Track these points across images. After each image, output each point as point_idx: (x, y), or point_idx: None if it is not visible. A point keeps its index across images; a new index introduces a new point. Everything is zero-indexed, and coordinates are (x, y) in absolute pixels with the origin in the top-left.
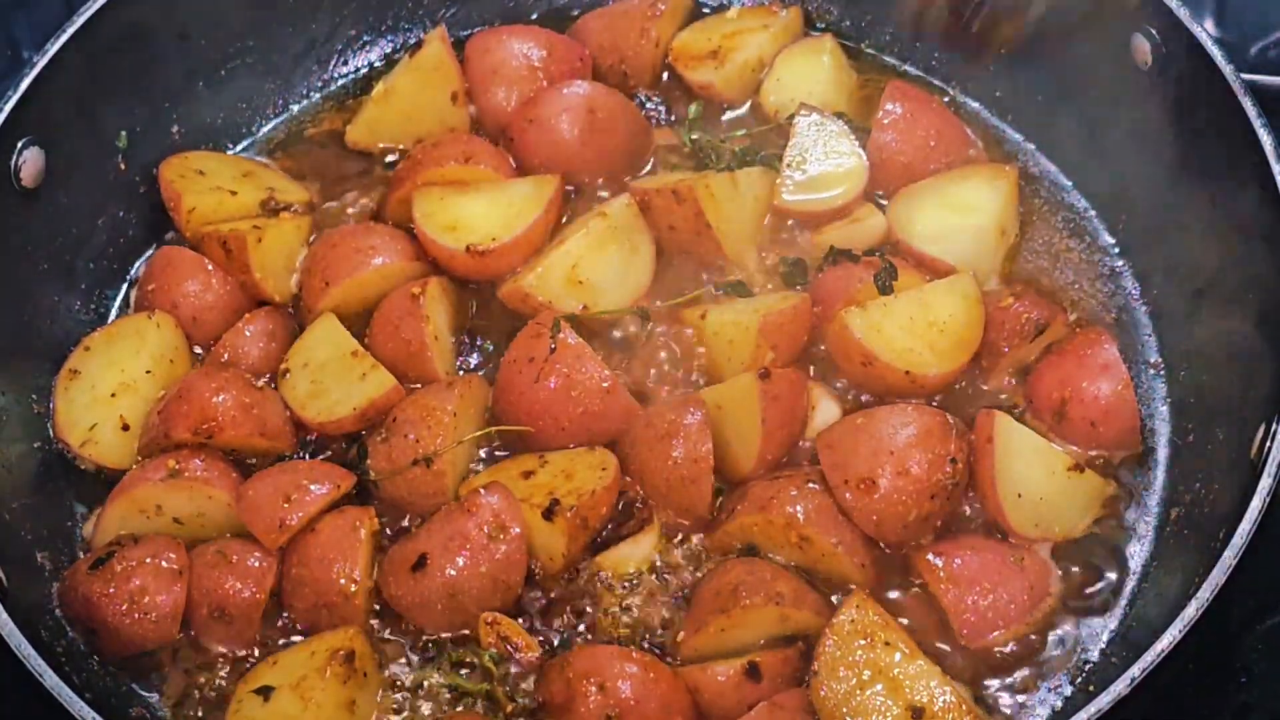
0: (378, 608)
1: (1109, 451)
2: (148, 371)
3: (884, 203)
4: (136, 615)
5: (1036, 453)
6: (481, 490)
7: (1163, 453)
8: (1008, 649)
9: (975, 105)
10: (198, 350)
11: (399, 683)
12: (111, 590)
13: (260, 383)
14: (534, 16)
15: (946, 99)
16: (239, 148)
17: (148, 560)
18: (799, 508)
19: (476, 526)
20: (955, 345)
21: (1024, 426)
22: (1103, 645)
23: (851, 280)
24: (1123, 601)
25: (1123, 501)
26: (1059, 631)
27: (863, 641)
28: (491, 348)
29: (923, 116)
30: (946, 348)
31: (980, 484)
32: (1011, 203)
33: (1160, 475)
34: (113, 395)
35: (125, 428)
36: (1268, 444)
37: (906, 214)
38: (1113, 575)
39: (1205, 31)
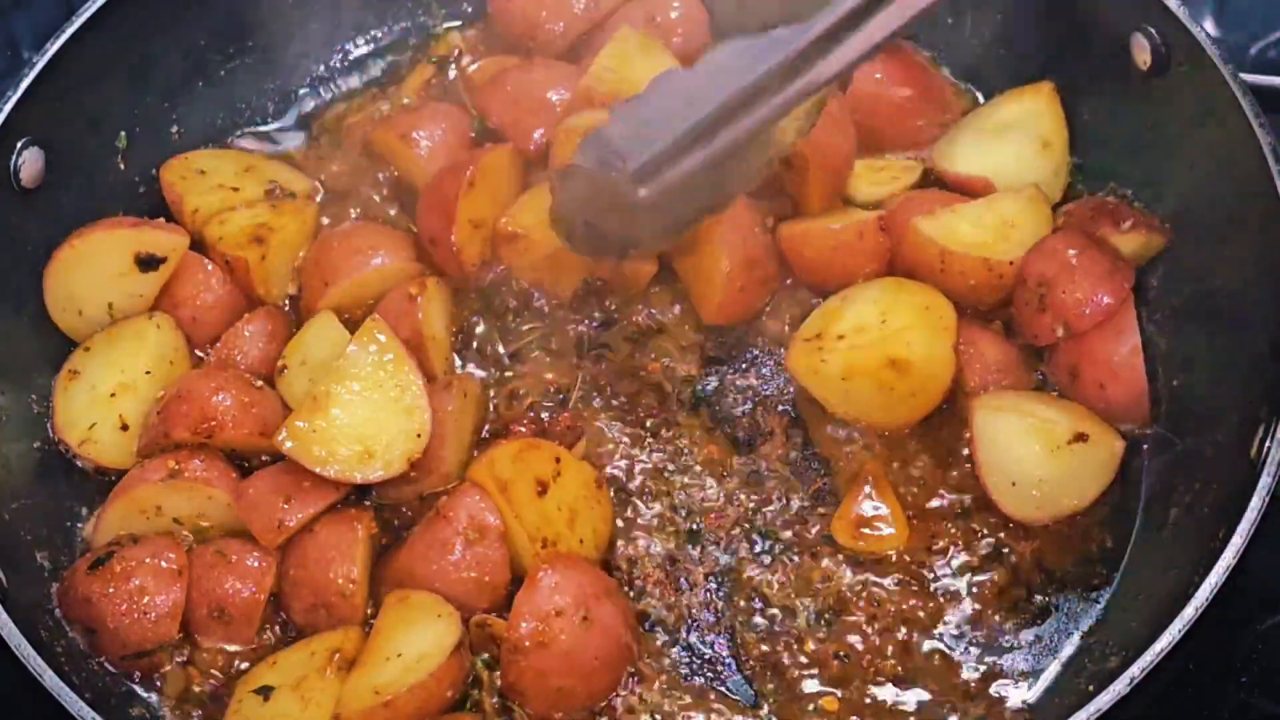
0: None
1: (1116, 422)
2: (147, 372)
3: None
4: (136, 615)
5: (1028, 434)
6: (459, 494)
7: (1162, 452)
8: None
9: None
10: (198, 352)
11: None
12: (111, 590)
13: (259, 383)
14: None
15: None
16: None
17: (147, 560)
18: None
19: (455, 533)
20: (1030, 236)
21: (1007, 410)
22: (1102, 646)
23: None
24: (1122, 601)
25: (1121, 500)
26: (1058, 631)
27: None
28: (488, 349)
29: (901, 71)
30: (1020, 239)
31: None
32: (1050, 114)
33: (1159, 474)
34: (112, 395)
35: (124, 428)
36: (1267, 443)
37: (946, 148)
38: (1112, 575)
39: (1205, 31)
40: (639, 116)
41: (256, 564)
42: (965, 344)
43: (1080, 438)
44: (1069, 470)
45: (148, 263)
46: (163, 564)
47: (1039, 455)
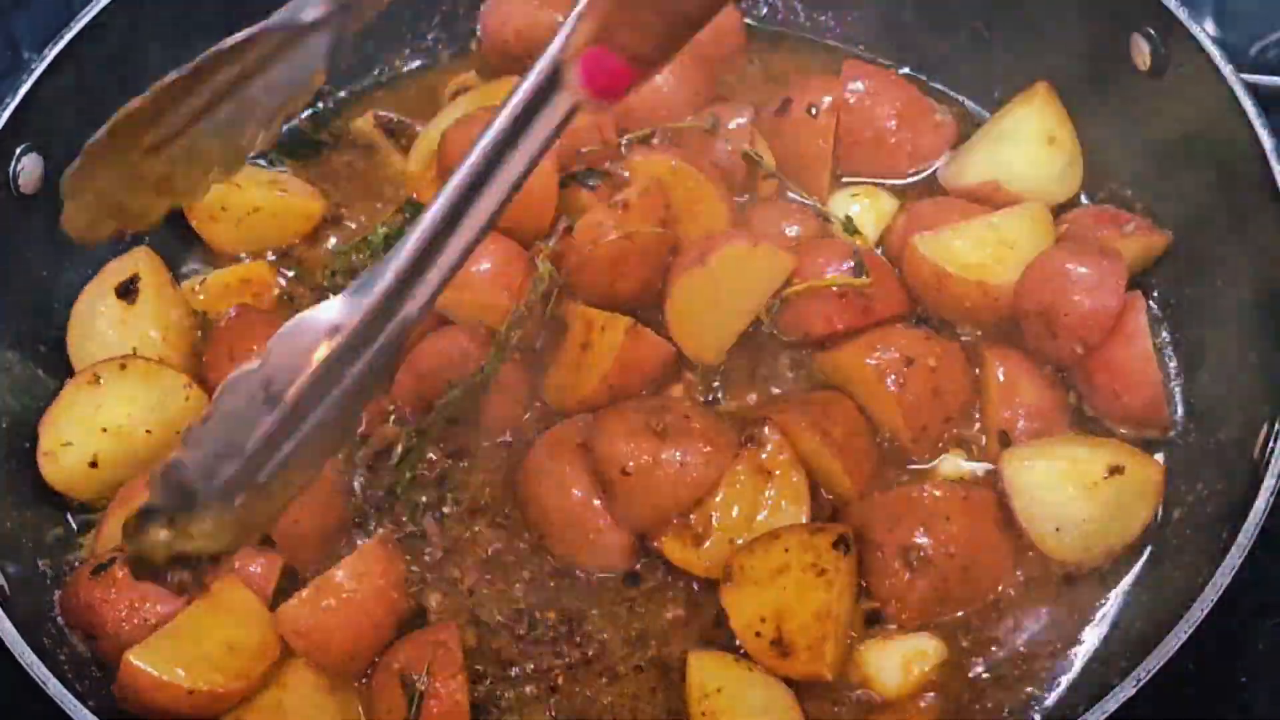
0: None
1: (1137, 428)
2: (148, 431)
3: (851, 182)
4: (137, 621)
5: (1061, 478)
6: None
7: (1164, 453)
8: (1017, 649)
9: (972, 107)
10: None
11: None
12: (113, 595)
13: None
14: None
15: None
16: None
17: None
18: None
19: (345, 577)
20: (1029, 257)
21: (1036, 458)
22: (1108, 647)
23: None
24: (1128, 604)
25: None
26: (1063, 633)
27: None
28: None
29: (885, 90)
30: (1017, 261)
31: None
32: (1049, 111)
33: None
34: (104, 430)
35: (93, 464)
36: (1270, 443)
37: (954, 166)
38: (1116, 578)
39: (1205, 31)
40: (213, 433)
41: (260, 570)
42: (1005, 377)
43: (1115, 470)
44: (1110, 506)
45: (127, 291)
46: None
47: (1076, 497)
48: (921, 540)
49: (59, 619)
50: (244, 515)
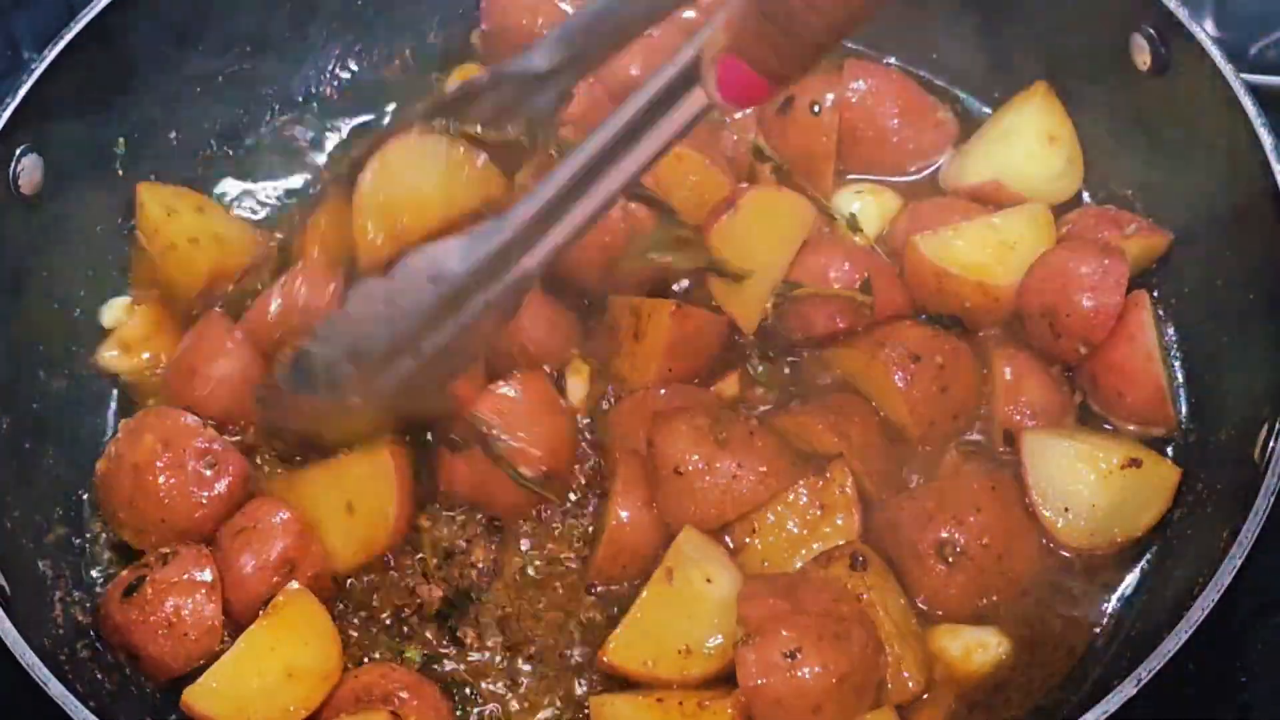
0: None
1: (1143, 426)
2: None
3: (854, 179)
4: (174, 643)
5: (1079, 459)
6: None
7: (1165, 452)
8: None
9: (973, 106)
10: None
11: None
12: (148, 618)
13: None
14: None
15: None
16: (237, 154)
17: (178, 579)
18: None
19: None
20: (1029, 258)
21: (1058, 436)
22: (1109, 647)
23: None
24: (1128, 603)
25: None
26: (1065, 634)
27: None
28: None
29: (887, 88)
30: (1018, 262)
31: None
32: (1049, 110)
33: None
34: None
35: None
36: (1271, 443)
37: (955, 166)
38: (1117, 578)
39: (1205, 31)
40: (342, 332)
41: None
42: (1011, 376)
43: (1133, 463)
44: (1121, 496)
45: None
46: (198, 577)
47: (1091, 481)
48: (955, 535)
49: (60, 620)
50: (358, 415)
